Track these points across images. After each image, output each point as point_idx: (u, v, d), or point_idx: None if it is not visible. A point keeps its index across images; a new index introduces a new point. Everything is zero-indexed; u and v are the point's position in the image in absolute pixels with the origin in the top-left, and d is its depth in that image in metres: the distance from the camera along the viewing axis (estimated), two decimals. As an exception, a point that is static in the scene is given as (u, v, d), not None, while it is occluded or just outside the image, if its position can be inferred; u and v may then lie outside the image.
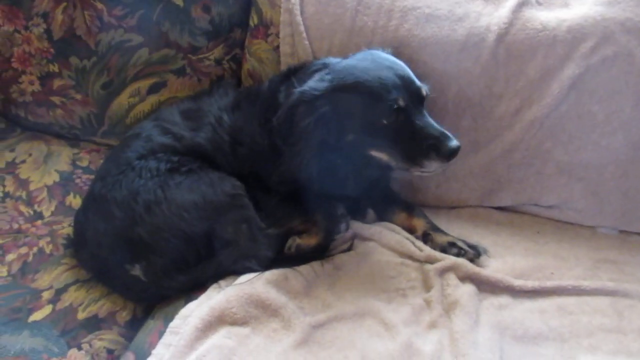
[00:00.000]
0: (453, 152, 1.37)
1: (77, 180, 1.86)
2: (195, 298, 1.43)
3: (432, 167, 1.40)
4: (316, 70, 1.52)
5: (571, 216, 1.68)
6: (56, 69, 1.91)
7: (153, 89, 1.91)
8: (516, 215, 1.72)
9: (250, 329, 1.33)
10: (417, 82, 1.45)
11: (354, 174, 1.55)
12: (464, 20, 1.61)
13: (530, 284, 1.44)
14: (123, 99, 1.92)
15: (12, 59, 1.92)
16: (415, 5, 1.64)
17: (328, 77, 1.45)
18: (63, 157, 1.94)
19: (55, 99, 1.94)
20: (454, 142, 1.37)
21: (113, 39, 1.87)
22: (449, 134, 1.39)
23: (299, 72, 1.59)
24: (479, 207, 1.73)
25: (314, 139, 1.44)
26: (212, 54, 1.90)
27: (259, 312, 1.36)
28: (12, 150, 1.93)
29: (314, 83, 1.45)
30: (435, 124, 1.42)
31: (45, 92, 1.94)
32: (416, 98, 1.43)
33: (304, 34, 1.72)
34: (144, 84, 1.91)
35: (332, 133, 1.45)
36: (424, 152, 1.39)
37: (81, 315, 1.46)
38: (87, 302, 1.49)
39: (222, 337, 1.30)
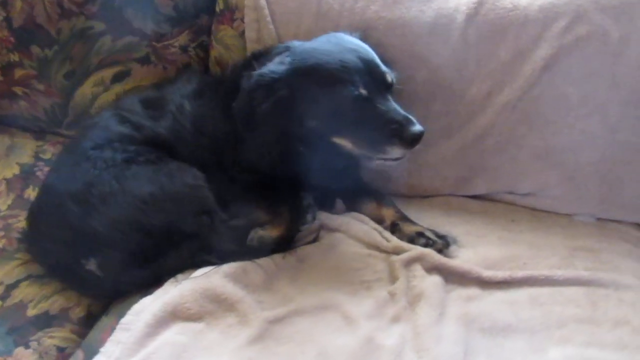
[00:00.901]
0: (416, 137, 1.32)
1: (39, 173, 1.80)
2: (152, 293, 1.37)
3: (395, 153, 1.35)
4: (278, 54, 1.46)
5: (547, 204, 1.62)
6: (17, 59, 1.85)
7: (117, 78, 1.85)
8: (491, 204, 1.65)
9: (205, 325, 1.27)
10: (382, 67, 1.40)
11: (319, 162, 1.49)
12: (433, 0, 1.55)
13: (500, 274, 1.38)
14: (87, 89, 1.86)
15: (-29, 49, 1.85)
16: (381, -15, 1.57)
17: (288, 59, 1.40)
18: (26, 149, 1.89)
19: (18, 90, 1.88)
20: (417, 127, 1.32)
21: (75, 27, 1.80)
22: (412, 118, 1.33)
23: (262, 57, 1.53)
24: (452, 196, 1.67)
25: (273, 124, 1.39)
26: (177, 41, 1.84)
27: (214, 307, 1.30)
28: (-26, 143, 1.87)
29: (273, 66, 1.39)
30: (399, 109, 1.36)
31: (7, 83, 1.88)
32: (380, 83, 1.38)
33: (269, 19, 1.66)
34: (108, 73, 1.85)
35: (292, 118, 1.39)
36: (387, 138, 1.33)
37: (31, 312, 1.40)
38: (38, 299, 1.43)
39: (174, 333, 1.24)
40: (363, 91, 1.34)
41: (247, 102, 1.40)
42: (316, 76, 1.36)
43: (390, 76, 1.40)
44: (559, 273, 1.38)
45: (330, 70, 1.35)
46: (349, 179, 1.64)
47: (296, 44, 1.47)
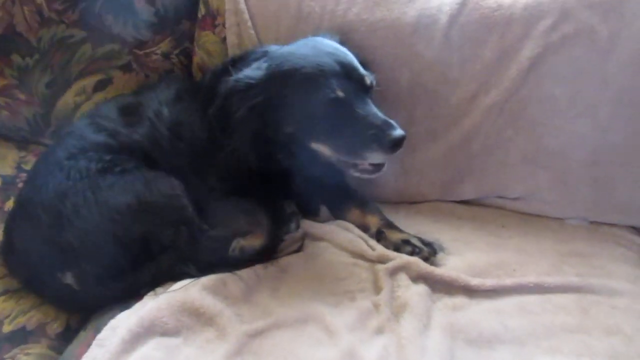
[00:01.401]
0: (396, 142, 1.28)
1: (20, 184, 1.76)
2: (130, 306, 1.33)
3: (375, 158, 1.31)
4: (256, 59, 1.43)
5: (538, 208, 1.58)
6: (-3, 68, 1.82)
7: (99, 87, 1.83)
8: (480, 209, 1.61)
9: (182, 340, 1.23)
10: (360, 70, 1.36)
11: (299, 168, 1.45)
12: (415, 1, 1.52)
13: (488, 282, 1.33)
14: (69, 98, 1.83)
15: (-49, 58, 1.83)
16: (363, -13, 1.53)
17: (264, 65, 1.37)
18: (8, 160, 1.86)
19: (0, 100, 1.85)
20: (398, 132, 1.27)
21: (55, 35, 1.78)
22: (392, 122, 1.29)
23: (240, 62, 1.49)
24: (440, 201, 1.63)
25: (249, 130, 1.36)
26: (159, 48, 1.81)
27: (192, 321, 1.26)
28: (-45, 155, 1.84)
29: (250, 71, 1.37)
30: (378, 113, 1.32)
31: (-12, 93, 1.85)
32: (359, 86, 1.34)
33: (249, 22, 1.63)
34: (90, 82, 1.82)
35: (269, 124, 1.36)
36: (366, 143, 1.29)
37: (7, 328, 1.36)
38: (14, 314, 1.39)
39: (150, 349, 1.20)
40: (340, 94, 1.31)
41: (223, 107, 1.37)
42: (292, 80, 1.33)
43: (369, 79, 1.36)
44: (548, 280, 1.34)
45: (306, 74, 1.32)
46: (333, 184, 1.60)
47: (273, 48, 1.44)
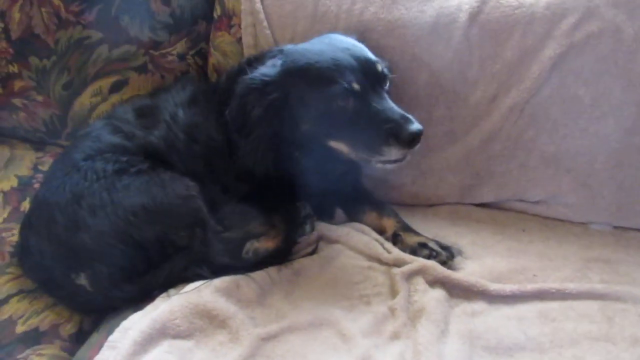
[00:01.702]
0: (414, 137, 1.24)
1: (36, 185, 1.76)
2: (143, 308, 1.32)
3: (393, 154, 1.27)
4: (271, 58, 1.41)
5: (560, 212, 1.53)
6: (16, 70, 1.83)
7: (115, 88, 1.83)
8: (499, 213, 1.57)
9: (194, 343, 1.21)
10: (376, 64, 1.33)
11: (315, 169, 1.42)
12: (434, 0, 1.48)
13: (508, 288, 1.29)
14: (85, 99, 1.84)
15: (-29, 61, 1.84)
16: (380, -14, 1.51)
17: (279, 62, 1.36)
18: (25, 161, 1.87)
19: (17, 101, 1.87)
20: (415, 126, 1.24)
21: (72, 37, 1.79)
22: (410, 117, 1.26)
23: (255, 62, 1.48)
24: (458, 204, 1.60)
25: (266, 129, 1.34)
26: (174, 49, 1.81)
27: (205, 323, 1.24)
28: (-27, 156, 1.85)
29: (265, 69, 1.36)
30: (395, 107, 1.29)
31: (6, 95, 1.87)
32: (374, 80, 1.32)
33: (265, 23, 1.61)
34: (106, 83, 1.83)
35: (286, 122, 1.34)
36: (383, 138, 1.26)
37: (20, 329, 1.36)
38: (28, 314, 1.39)
39: (162, 351, 1.19)
40: (356, 86, 1.29)
41: (240, 107, 1.35)
42: (307, 76, 1.32)
43: (384, 70, 1.34)
44: (571, 286, 1.29)
45: (322, 69, 1.30)
46: (349, 186, 1.58)
47: (289, 46, 1.43)
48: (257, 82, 1.33)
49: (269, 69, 1.35)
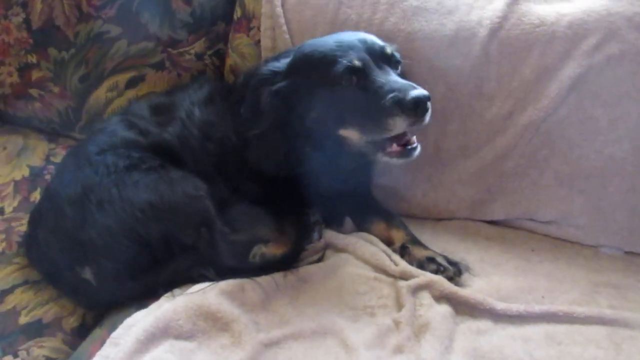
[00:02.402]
0: (418, 102, 1.21)
1: (47, 176, 1.78)
2: (147, 306, 1.31)
3: (398, 125, 1.25)
4: (285, 56, 1.44)
5: (571, 233, 1.51)
6: (34, 60, 1.86)
7: (131, 83, 1.84)
8: (509, 230, 1.56)
9: (196, 344, 1.21)
10: (381, 42, 1.34)
11: (326, 164, 1.41)
12: (454, 13, 1.48)
13: (515, 307, 1.28)
14: (101, 93, 1.85)
15: (-9, 49, 1.86)
16: (402, -4, 1.51)
17: (290, 55, 1.39)
18: (38, 152, 1.88)
19: (34, 92, 1.89)
20: (418, 91, 1.22)
21: (92, 30, 1.81)
22: (414, 85, 1.24)
23: (273, 60, 1.49)
24: (468, 219, 1.58)
25: (277, 120, 1.35)
26: (192, 48, 1.82)
27: (208, 325, 1.24)
28: (-12, 143, 1.87)
29: (276, 63, 1.40)
30: (399, 79, 1.28)
31: (23, 84, 1.89)
32: (379, 58, 1.32)
33: (285, 27, 1.61)
34: (122, 78, 1.84)
35: (295, 112, 1.35)
36: (388, 109, 1.23)
37: (23, 320, 1.36)
38: (32, 306, 1.39)
39: (163, 351, 1.18)
40: (357, 63, 1.28)
41: (251, 98, 1.38)
42: (311, 61, 1.34)
43: (389, 48, 1.34)
44: (579, 310, 1.27)
45: (324, 51, 1.32)
46: (359, 195, 1.57)
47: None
48: (267, 73, 1.36)
49: (279, 62, 1.39)
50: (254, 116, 1.38)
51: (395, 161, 1.33)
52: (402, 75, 1.38)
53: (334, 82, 1.29)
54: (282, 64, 1.39)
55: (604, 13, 1.38)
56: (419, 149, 1.31)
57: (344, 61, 1.28)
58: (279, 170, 1.41)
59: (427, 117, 1.26)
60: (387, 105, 1.23)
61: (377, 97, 1.25)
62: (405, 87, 1.24)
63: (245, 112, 1.41)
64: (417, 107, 1.22)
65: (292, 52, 1.42)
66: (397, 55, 1.38)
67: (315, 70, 1.33)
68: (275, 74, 1.37)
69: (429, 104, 1.23)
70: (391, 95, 1.23)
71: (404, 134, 1.29)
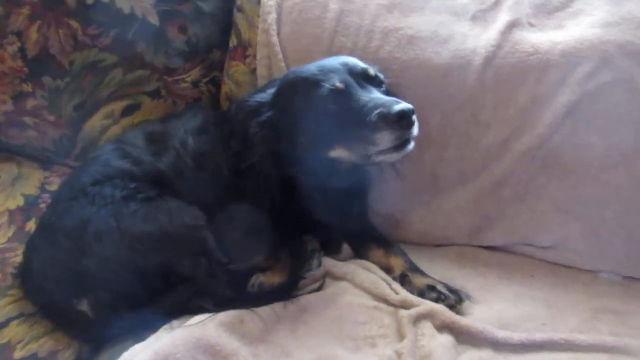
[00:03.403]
0: (402, 115, 1.22)
1: (42, 205, 1.75)
2: (145, 339, 1.29)
3: (386, 139, 1.25)
4: (272, 85, 1.45)
5: (569, 259, 1.52)
6: (29, 89, 1.84)
7: (127, 111, 1.84)
8: (508, 256, 1.56)
9: (196, 378, 1.18)
10: (362, 64, 1.37)
11: (321, 194, 1.42)
12: (449, 42, 1.50)
13: (517, 336, 1.27)
14: (96, 121, 1.84)
15: (-14, 78, 1.85)
16: (397, 26, 1.53)
17: (275, 83, 1.42)
18: (32, 180, 1.86)
19: (28, 120, 1.87)
20: (402, 104, 1.23)
21: (87, 59, 1.80)
22: (398, 100, 1.26)
23: (261, 90, 1.50)
24: (466, 245, 1.58)
25: (266, 150, 1.36)
26: (188, 76, 1.82)
27: (207, 358, 1.21)
28: (-19, 172, 1.85)
29: (262, 93, 1.42)
30: (384, 96, 1.30)
31: (17, 112, 1.87)
32: (361, 78, 1.34)
33: (280, 56, 1.62)
34: (118, 106, 1.83)
35: (285, 140, 1.36)
36: (373, 125, 1.24)
37: (18, 354, 1.33)
38: (27, 339, 1.37)
39: (162, 386, 1.16)
40: (339, 84, 1.30)
41: (240, 131, 1.39)
42: (295, 87, 1.36)
43: (372, 69, 1.36)
44: (581, 337, 1.27)
45: (307, 77, 1.34)
46: (356, 221, 1.56)
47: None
48: (253, 105, 1.38)
49: (265, 93, 1.41)
50: (245, 149, 1.39)
51: (390, 156, 1.32)
52: (388, 94, 1.40)
53: (319, 106, 1.31)
54: (268, 94, 1.41)
55: (596, 41, 1.41)
56: (412, 144, 1.29)
57: (327, 84, 1.30)
58: (273, 200, 1.40)
59: (414, 131, 1.27)
60: (373, 121, 1.24)
61: (362, 115, 1.27)
62: (389, 102, 1.25)
63: (235, 145, 1.43)
64: (401, 120, 1.23)
65: (277, 81, 1.44)
66: (381, 75, 1.41)
67: (299, 96, 1.35)
68: (261, 104, 1.39)
69: (414, 117, 1.25)
70: (376, 111, 1.25)
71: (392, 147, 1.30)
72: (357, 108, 1.28)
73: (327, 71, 1.34)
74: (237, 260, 1.42)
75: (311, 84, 1.32)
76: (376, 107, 1.25)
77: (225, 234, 1.44)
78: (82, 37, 1.78)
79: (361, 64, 1.38)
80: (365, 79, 1.35)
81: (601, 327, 1.32)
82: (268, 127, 1.36)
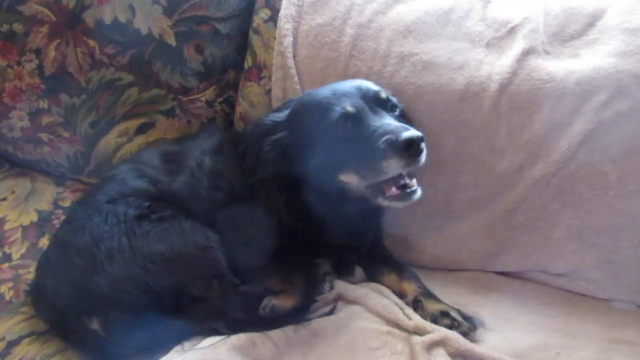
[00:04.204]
0: (410, 142, 1.22)
1: (55, 221, 1.77)
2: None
3: (393, 166, 1.25)
4: (287, 107, 1.46)
5: (583, 287, 1.51)
6: (46, 105, 1.87)
7: (141, 130, 1.85)
8: (521, 283, 1.55)
9: (207, 402, 1.18)
10: (375, 87, 1.37)
11: (332, 213, 1.41)
12: (464, 68, 1.50)
13: (531, 366, 1.26)
14: (110, 139, 1.86)
15: (3, 94, 1.87)
16: (412, 51, 1.54)
17: (291, 104, 1.43)
18: (46, 195, 1.87)
19: (43, 136, 1.89)
20: (411, 132, 1.22)
21: (104, 77, 1.82)
22: (407, 127, 1.26)
23: (276, 111, 1.51)
24: (479, 271, 1.57)
25: (277, 169, 1.37)
26: (203, 96, 1.84)
27: (219, 382, 1.21)
28: (-4, 187, 1.86)
29: (278, 113, 1.43)
30: (394, 122, 1.30)
31: (33, 129, 1.89)
32: (373, 102, 1.34)
33: (296, 78, 1.64)
34: (133, 124, 1.85)
35: (295, 161, 1.36)
36: (381, 152, 1.25)
37: (30, 373, 1.33)
38: (39, 358, 1.37)
39: (173, 409, 1.15)
40: (350, 109, 1.31)
41: (252, 149, 1.41)
42: (308, 110, 1.37)
43: (384, 93, 1.36)
44: (596, 368, 1.25)
45: (319, 100, 1.35)
46: (369, 245, 1.56)
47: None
48: (268, 124, 1.39)
49: (281, 113, 1.42)
50: (256, 166, 1.39)
51: (395, 204, 1.33)
52: (403, 117, 1.41)
53: (330, 129, 1.31)
54: (283, 114, 1.42)
55: (612, 70, 1.41)
56: (419, 193, 1.31)
57: (338, 108, 1.30)
58: (281, 219, 1.40)
59: (422, 158, 1.28)
60: (381, 147, 1.25)
61: (371, 141, 1.27)
62: (398, 129, 1.25)
63: (248, 162, 1.43)
64: (409, 148, 1.23)
65: (293, 102, 1.45)
66: (393, 99, 1.41)
67: (311, 118, 1.35)
68: (275, 124, 1.40)
69: (422, 144, 1.25)
70: (384, 138, 1.25)
71: (400, 176, 1.30)
72: (367, 133, 1.28)
73: (340, 94, 1.34)
74: (249, 282, 1.42)
75: (323, 107, 1.33)
76: (385, 133, 1.26)
77: (237, 254, 1.44)
78: (99, 55, 1.80)
79: (374, 87, 1.39)
80: (377, 103, 1.35)
81: (616, 358, 1.31)
82: (280, 146, 1.37)
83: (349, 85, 1.39)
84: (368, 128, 1.29)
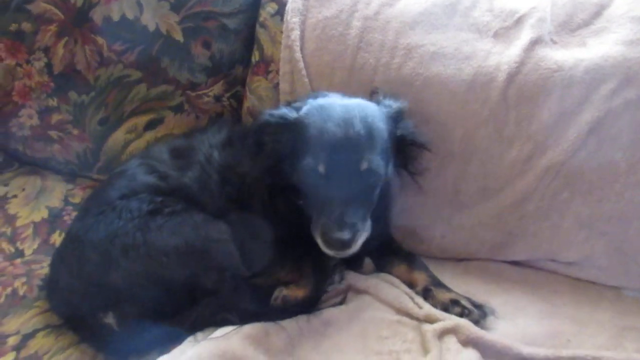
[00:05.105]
0: (336, 244, 1.24)
1: (66, 218, 1.78)
2: (170, 352, 1.30)
3: (324, 248, 1.29)
4: (298, 106, 1.43)
5: (593, 274, 1.51)
6: (55, 104, 1.87)
7: (150, 126, 1.86)
8: (531, 272, 1.55)
9: (222, 392, 1.19)
10: (361, 154, 1.27)
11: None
12: (472, 59, 1.50)
13: (542, 352, 1.27)
14: (119, 135, 1.87)
15: (13, 93, 1.88)
16: (419, 43, 1.54)
17: (303, 108, 1.37)
18: (56, 192, 1.88)
19: (53, 134, 1.90)
20: (339, 234, 1.23)
21: (112, 74, 1.83)
22: (347, 221, 1.24)
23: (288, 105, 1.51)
24: (489, 260, 1.58)
25: (270, 163, 1.38)
26: (211, 91, 1.84)
27: (233, 372, 1.22)
28: (6, 185, 1.88)
29: (288, 110, 1.39)
30: (342, 207, 1.25)
31: (43, 127, 1.90)
32: (350, 168, 1.28)
33: (304, 72, 1.64)
34: (141, 120, 1.86)
35: (283, 168, 1.37)
36: (318, 230, 1.28)
37: (45, 366, 1.34)
38: (54, 351, 1.38)
39: (189, 399, 1.16)
40: (321, 169, 1.28)
41: (255, 136, 1.40)
42: (301, 131, 1.32)
43: (365, 164, 1.27)
44: (607, 354, 1.26)
45: (310, 136, 1.30)
46: (377, 237, 1.56)
47: (318, 100, 1.41)
48: (275, 118, 1.37)
49: (290, 110, 1.37)
50: (255, 154, 1.41)
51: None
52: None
53: (301, 168, 1.31)
54: (291, 114, 1.37)
55: (620, 59, 1.41)
56: (357, 246, 1.29)
57: (312, 161, 1.28)
58: (295, 220, 1.40)
59: (354, 249, 1.27)
60: (319, 227, 1.28)
61: (320, 210, 1.29)
62: (337, 220, 1.24)
63: (244, 148, 1.44)
64: (334, 247, 1.26)
65: (308, 100, 1.41)
66: (375, 169, 1.31)
67: (299, 143, 1.33)
68: (280, 125, 1.37)
69: (353, 243, 1.26)
70: (323, 221, 1.27)
71: None
72: (322, 201, 1.28)
73: (327, 144, 1.27)
74: (260, 274, 1.43)
75: (308, 147, 1.29)
76: (327, 216, 1.26)
77: (251, 247, 1.45)
78: (107, 53, 1.81)
79: (362, 152, 1.28)
80: (353, 168, 1.28)
81: (628, 345, 1.31)
82: (277, 148, 1.37)
83: (350, 129, 1.28)
84: (324, 194, 1.28)
